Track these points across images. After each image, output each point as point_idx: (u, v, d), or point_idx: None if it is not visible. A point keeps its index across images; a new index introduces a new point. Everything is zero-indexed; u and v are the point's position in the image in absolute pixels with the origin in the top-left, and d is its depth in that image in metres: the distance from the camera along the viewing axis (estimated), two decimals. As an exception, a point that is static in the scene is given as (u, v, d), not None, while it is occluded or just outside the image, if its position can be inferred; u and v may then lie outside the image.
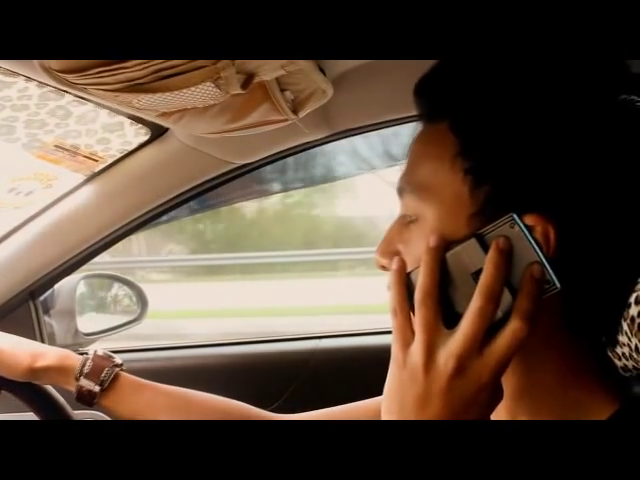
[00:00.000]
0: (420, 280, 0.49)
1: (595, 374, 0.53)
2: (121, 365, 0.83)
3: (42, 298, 1.29)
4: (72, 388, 0.80)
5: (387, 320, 0.52)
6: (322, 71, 0.79)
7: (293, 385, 1.30)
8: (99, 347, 0.85)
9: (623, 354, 0.77)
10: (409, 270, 0.51)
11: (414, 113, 0.96)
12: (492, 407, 0.49)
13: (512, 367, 0.49)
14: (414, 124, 1.02)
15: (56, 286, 1.31)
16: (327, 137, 1.04)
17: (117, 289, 1.55)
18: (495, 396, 0.48)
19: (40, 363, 0.80)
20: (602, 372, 0.54)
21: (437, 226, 0.52)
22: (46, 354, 0.81)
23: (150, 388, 0.82)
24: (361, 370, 1.30)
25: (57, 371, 0.81)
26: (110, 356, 0.83)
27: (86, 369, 0.80)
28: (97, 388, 0.79)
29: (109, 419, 1.17)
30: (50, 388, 0.87)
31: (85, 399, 0.80)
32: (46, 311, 1.31)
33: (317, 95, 0.80)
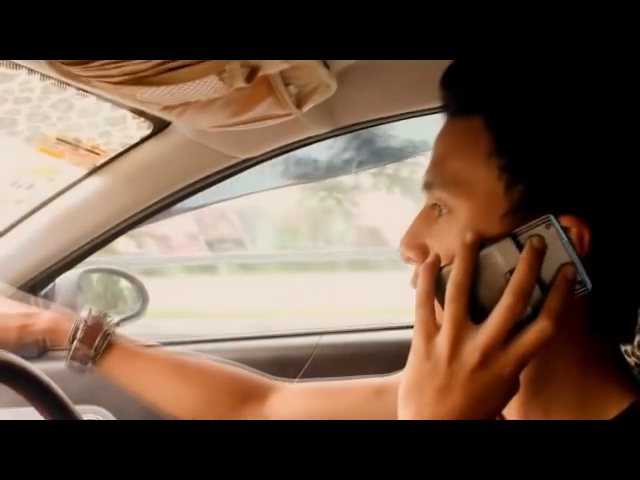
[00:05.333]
0: (453, 276, 0.49)
1: (611, 369, 0.53)
2: (117, 325, 0.82)
3: (43, 292, 1.29)
4: (65, 350, 0.80)
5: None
6: (326, 66, 0.79)
7: (294, 381, 1.30)
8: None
9: (625, 351, 0.77)
10: (442, 265, 0.51)
11: (418, 108, 0.98)
12: (508, 399, 0.49)
13: (530, 361, 0.49)
14: (415, 119, 1.03)
15: (57, 280, 1.30)
16: (330, 132, 1.04)
17: (118, 284, 1.55)
18: (512, 389, 0.49)
19: (32, 325, 0.80)
20: (616, 368, 0.54)
21: (470, 223, 0.51)
22: (39, 316, 0.81)
23: (144, 356, 0.82)
24: (362, 366, 1.30)
25: (50, 333, 0.80)
26: (105, 316, 0.81)
27: (79, 334, 0.79)
28: (91, 353, 0.79)
29: (109, 418, 1.17)
30: (49, 381, 0.86)
31: (78, 363, 0.79)
32: (47, 305, 1.31)
33: (321, 89, 0.80)
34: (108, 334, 0.80)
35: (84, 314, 0.81)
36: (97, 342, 0.79)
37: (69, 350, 0.79)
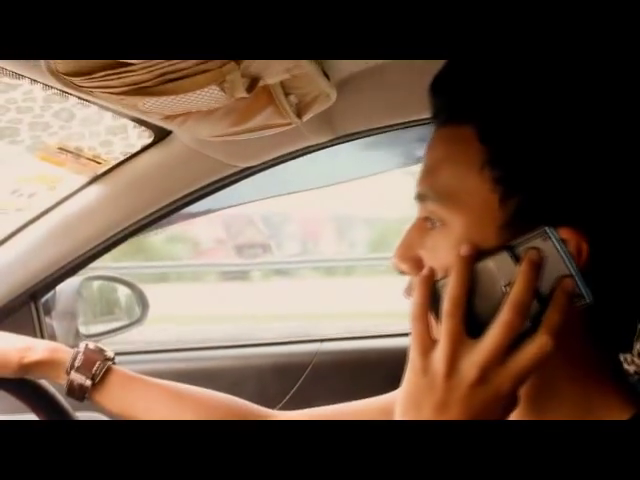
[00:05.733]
0: (450, 290, 0.48)
1: (610, 380, 0.53)
2: (113, 359, 0.81)
3: (44, 300, 1.29)
4: (63, 382, 0.79)
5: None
6: (326, 75, 0.79)
7: (295, 388, 1.30)
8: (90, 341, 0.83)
9: (625, 359, 0.77)
10: (436, 278, 0.50)
11: (418, 117, 0.98)
12: (507, 415, 0.48)
13: (530, 375, 0.48)
14: (417, 128, 1.03)
15: (58, 288, 1.31)
16: (330, 141, 1.04)
17: (119, 291, 1.55)
18: (511, 404, 0.48)
19: (30, 358, 0.78)
20: (617, 378, 0.54)
21: (465, 235, 0.50)
22: (35, 348, 0.79)
23: (142, 383, 0.81)
24: (363, 373, 1.31)
25: (47, 365, 0.79)
26: (101, 349, 0.81)
27: (77, 363, 0.78)
28: (88, 382, 0.78)
29: (107, 419, 1.17)
30: (47, 385, 0.86)
31: (76, 393, 0.78)
32: (47, 313, 1.31)
33: (321, 99, 0.80)
34: (106, 361, 0.80)
35: (81, 345, 0.81)
36: (95, 368, 0.78)
37: (67, 378, 0.78)
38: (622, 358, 0.75)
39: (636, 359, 0.75)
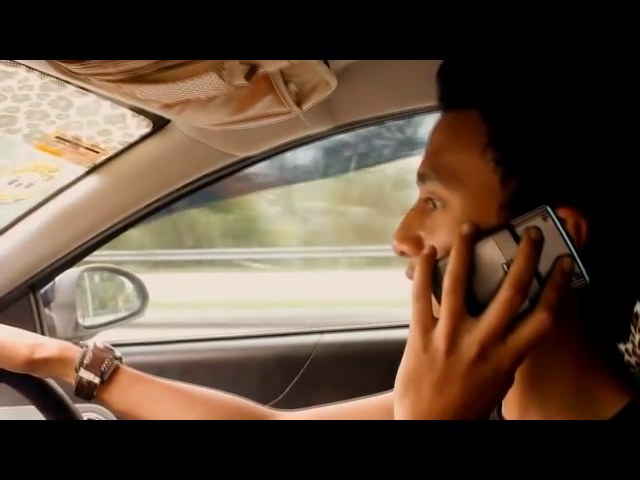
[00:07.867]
0: (450, 267, 0.49)
1: (607, 368, 0.53)
2: (120, 358, 0.82)
3: (43, 291, 1.29)
4: (71, 380, 0.79)
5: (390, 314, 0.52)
6: (326, 63, 0.79)
7: (295, 380, 1.30)
8: (99, 340, 0.84)
9: (627, 350, 0.77)
10: (437, 257, 0.51)
11: (418, 106, 0.98)
12: (505, 393, 0.49)
13: (526, 357, 0.49)
14: (417, 117, 1.03)
15: (57, 279, 1.30)
16: (330, 130, 1.03)
17: (118, 282, 1.55)
18: (509, 381, 0.49)
19: (39, 354, 0.79)
20: (614, 367, 0.54)
21: (466, 215, 0.51)
22: (46, 345, 0.80)
23: (149, 382, 0.82)
24: (362, 365, 1.30)
25: (57, 362, 0.80)
26: (110, 348, 0.82)
27: (86, 360, 0.79)
28: (97, 380, 0.78)
29: (110, 417, 1.17)
30: (49, 380, 0.86)
31: (84, 391, 0.79)
32: (46, 304, 1.31)
33: (321, 87, 0.80)
34: (114, 360, 0.81)
35: (90, 344, 0.82)
36: (104, 366, 0.79)
37: (76, 375, 0.79)
38: (623, 349, 0.75)
39: (637, 350, 0.75)
